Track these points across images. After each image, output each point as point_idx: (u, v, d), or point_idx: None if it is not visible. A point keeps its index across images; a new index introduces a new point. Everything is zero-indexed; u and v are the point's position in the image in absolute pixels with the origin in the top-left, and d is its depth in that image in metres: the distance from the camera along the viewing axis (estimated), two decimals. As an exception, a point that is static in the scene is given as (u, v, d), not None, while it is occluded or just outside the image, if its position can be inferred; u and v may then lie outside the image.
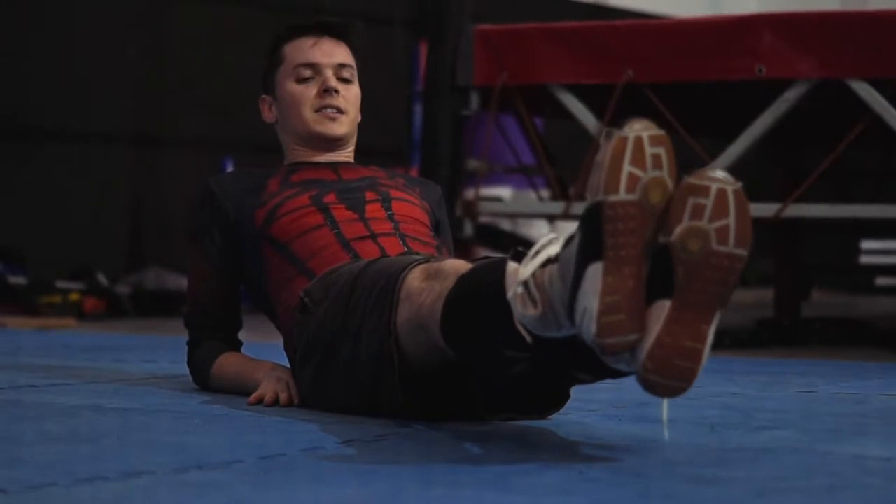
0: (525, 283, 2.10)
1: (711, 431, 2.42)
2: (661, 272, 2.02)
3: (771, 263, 5.61)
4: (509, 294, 2.11)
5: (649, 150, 2.01)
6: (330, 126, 2.98)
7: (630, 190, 2.00)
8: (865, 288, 7.85)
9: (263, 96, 3.07)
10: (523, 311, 2.09)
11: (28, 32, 6.61)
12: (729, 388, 3.08)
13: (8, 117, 6.63)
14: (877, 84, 4.34)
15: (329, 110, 2.98)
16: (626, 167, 2.00)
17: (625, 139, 2.01)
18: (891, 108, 4.30)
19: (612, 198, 2.00)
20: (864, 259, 6.73)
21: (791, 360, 4.20)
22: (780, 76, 4.42)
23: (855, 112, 4.36)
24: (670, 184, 2.02)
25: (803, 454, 2.21)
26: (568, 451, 2.22)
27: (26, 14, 6.60)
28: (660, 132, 2.02)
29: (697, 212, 2.01)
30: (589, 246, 2.01)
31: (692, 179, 2.02)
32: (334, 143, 3.01)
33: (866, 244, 6.70)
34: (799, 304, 5.57)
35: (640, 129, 2.01)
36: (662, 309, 2.01)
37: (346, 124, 3.00)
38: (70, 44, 6.73)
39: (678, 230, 2.01)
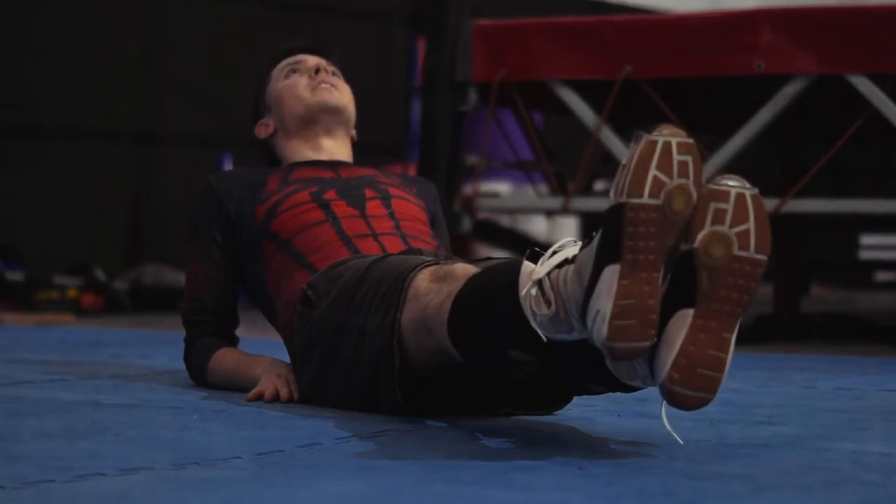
0: (540, 283, 2.09)
1: (710, 427, 2.42)
2: (682, 280, 2.01)
3: (770, 259, 5.60)
4: (522, 292, 2.10)
5: (677, 157, 2.00)
6: (327, 95, 3.01)
7: (654, 195, 1.99)
8: (865, 283, 7.85)
9: (259, 122, 3.09)
10: (536, 310, 2.09)
11: (27, 29, 6.60)
12: (728, 384, 3.06)
13: (6, 114, 6.62)
14: (876, 79, 4.33)
15: (323, 84, 3.00)
16: (652, 171, 1.99)
17: (654, 143, 1.99)
18: (890, 104, 4.30)
19: (635, 201, 1.98)
20: (864, 254, 6.74)
21: (790, 356, 4.19)
22: (779, 71, 4.42)
23: (854, 107, 4.36)
24: (695, 193, 2.01)
25: (802, 450, 2.21)
26: (567, 447, 2.22)
27: (26, 11, 6.60)
28: (689, 140, 2.01)
29: (719, 217, 2.01)
30: (607, 247, 2.00)
31: (711, 185, 2.02)
32: (333, 114, 3.01)
33: (865, 239, 6.70)
34: (798, 299, 5.57)
35: (669, 135, 2.00)
36: (685, 318, 2.00)
37: (341, 97, 3.02)
38: (69, 41, 6.72)
39: (701, 236, 2.00)
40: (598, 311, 1.99)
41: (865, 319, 5.19)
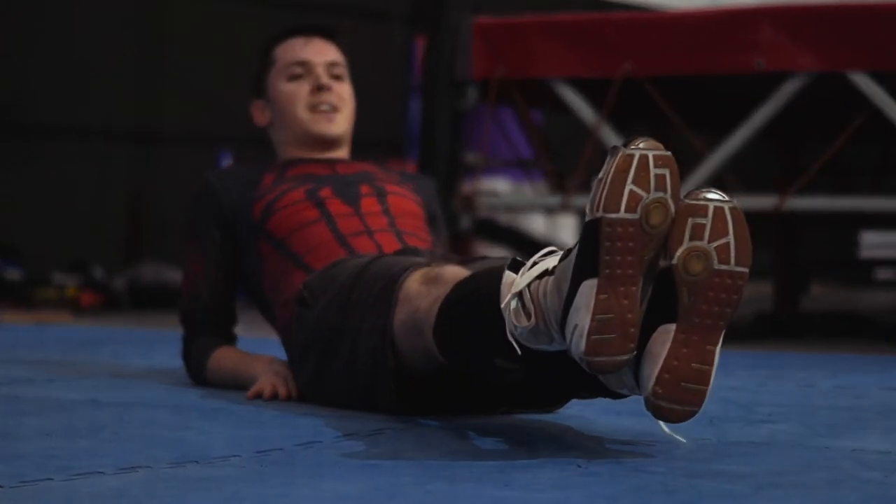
0: (519, 295, 2.08)
1: (710, 425, 2.41)
2: (663, 296, 2.00)
3: (769, 257, 5.60)
4: (503, 304, 2.09)
5: (654, 171, 1.98)
6: (326, 126, 2.99)
7: (630, 209, 1.97)
8: (865, 281, 7.84)
9: (255, 101, 3.08)
10: (516, 322, 2.08)
11: (27, 28, 6.60)
12: (728, 382, 3.08)
13: (6, 114, 6.62)
14: (877, 77, 4.33)
15: (323, 107, 2.99)
16: (629, 186, 1.97)
17: (630, 157, 1.98)
18: (891, 101, 4.30)
19: (612, 216, 1.97)
20: (864, 252, 6.72)
21: (790, 354, 4.19)
22: (779, 69, 4.41)
23: (854, 105, 4.36)
24: (672, 207, 1.99)
25: (802, 448, 2.20)
26: (567, 445, 2.22)
27: (25, 10, 6.59)
28: (666, 153, 1.99)
29: (697, 232, 1.99)
30: (585, 261, 1.99)
31: (688, 200, 2.00)
32: (330, 143, 3.01)
33: (866, 237, 6.69)
34: (798, 298, 5.57)
35: (646, 148, 1.98)
36: (668, 333, 1.99)
37: (341, 123, 3.01)
38: (69, 39, 6.72)
39: (679, 252, 1.99)
40: (576, 326, 1.98)
41: (865, 318, 5.19)
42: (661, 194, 1.98)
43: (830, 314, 5.37)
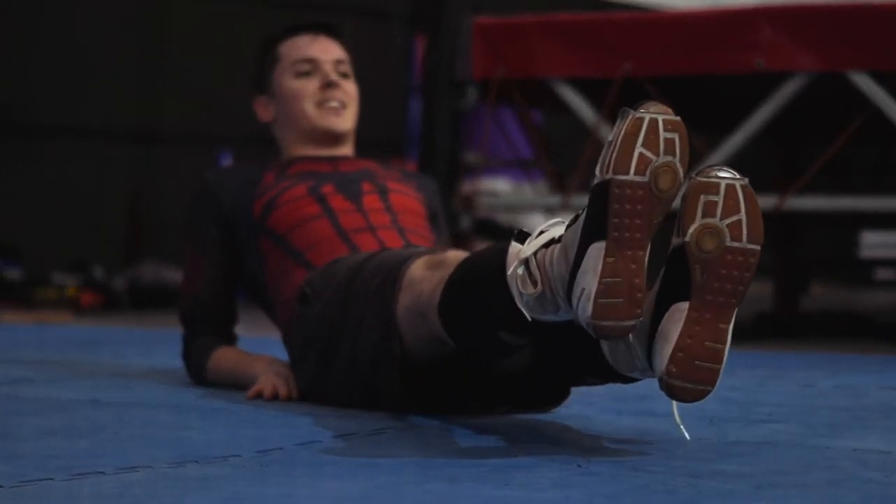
0: (526, 262, 2.08)
1: (710, 425, 2.41)
2: (676, 274, 2.00)
3: (770, 257, 5.61)
4: (509, 272, 2.09)
5: (663, 135, 1.98)
6: (334, 121, 3.00)
7: (639, 172, 1.97)
8: (865, 281, 7.84)
9: (259, 97, 3.07)
10: (522, 290, 2.07)
11: (27, 28, 6.60)
12: (728, 382, 3.06)
13: (6, 114, 6.62)
14: (877, 76, 4.33)
15: (332, 103, 2.99)
16: (638, 148, 1.97)
17: (640, 120, 1.98)
18: (891, 101, 4.30)
19: (621, 177, 1.97)
20: (864, 252, 6.73)
21: (790, 354, 4.19)
22: (779, 69, 4.42)
23: (854, 105, 4.36)
24: (681, 171, 1.99)
25: (803, 448, 2.20)
26: (567, 444, 2.22)
27: (25, 10, 6.59)
28: (675, 118, 1.99)
29: (709, 209, 1.99)
30: (593, 224, 1.99)
31: (700, 177, 2.00)
32: (338, 138, 3.02)
33: (866, 237, 6.69)
34: (798, 297, 5.57)
35: (656, 112, 1.98)
36: (681, 312, 1.99)
37: (349, 119, 3.02)
38: (69, 39, 6.72)
39: (692, 229, 1.99)
40: (583, 290, 1.98)
41: (865, 318, 5.19)
42: (670, 158, 1.98)
43: (830, 314, 5.37)
